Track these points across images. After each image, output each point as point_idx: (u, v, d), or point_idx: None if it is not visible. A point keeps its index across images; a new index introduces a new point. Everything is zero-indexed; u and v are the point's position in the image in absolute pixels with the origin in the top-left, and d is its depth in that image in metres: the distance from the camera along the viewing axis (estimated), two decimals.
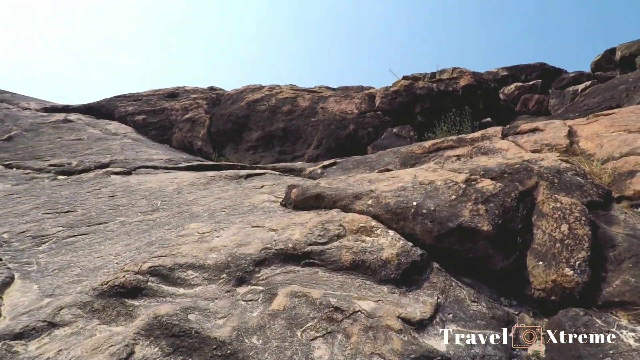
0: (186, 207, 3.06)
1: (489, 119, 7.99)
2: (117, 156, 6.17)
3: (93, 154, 6.55)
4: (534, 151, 3.59)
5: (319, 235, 2.02)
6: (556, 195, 2.21)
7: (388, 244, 1.95)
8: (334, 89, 13.37)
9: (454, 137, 4.54)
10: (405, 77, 14.28)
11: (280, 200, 3.12)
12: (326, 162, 5.46)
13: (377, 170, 4.25)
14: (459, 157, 3.97)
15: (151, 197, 3.39)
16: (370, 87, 13.56)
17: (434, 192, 2.45)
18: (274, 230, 2.13)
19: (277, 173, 4.63)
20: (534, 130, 4.19)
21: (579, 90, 7.96)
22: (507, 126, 4.62)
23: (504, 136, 4.32)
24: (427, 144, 4.62)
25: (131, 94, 12.62)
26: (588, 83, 7.99)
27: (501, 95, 11.14)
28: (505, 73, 14.78)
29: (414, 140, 7.09)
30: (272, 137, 8.61)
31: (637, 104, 4.92)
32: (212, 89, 13.70)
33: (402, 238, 2.06)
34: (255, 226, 2.22)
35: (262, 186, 3.76)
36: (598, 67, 14.74)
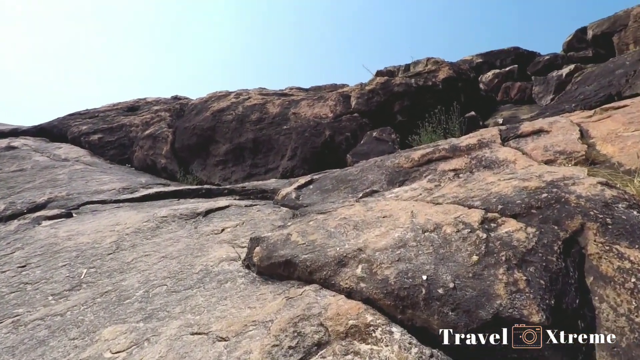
0: (119, 278, 2.31)
1: (473, 113, 7.46)
2: (60, 190, 5.29)
3: (33, 189, 5.64)
4: (547, 162, 3.00)
5: (290, 349, 1.34)
6: (617, 247, 1.59)
7: (396, 357, 1.28)
8: (305, 90, 12.65)
9: (446, 146, 3.92)
10: (379, 73, 13.69)
11: (244, 255, 2.42)
12: (302, 181, 4.77)
13: (361, 194, 3.59)
14: (456, 172, 3.34)
15: (76, 262, 2.62)
16: (343, 85, 12.90)
17: (446, 247, 1.80)
18: (223, 339, 1.43)
19: (244, 204, 3.90)
20: (539, 132, 3.61)
21: (563, 75, 7.53)
22: (505, 127, 4.03)
23: (504, 141, 3.73)
24: (416, 154, 3.98)
25: (87, 110, 11.54)
26: (572, 67, 7.57)
27: (480, 85, 10.68)
28: (480, 60, 14.39)
29: (396, 143, 6.48)
30: (242, 150, 7.84)
31: None
32: (176, 98, 12.73)
33: (413, 338, 1.40)
34: (198, 333, 1.51)
35: (223, 230, 3.04)
36: (570, 48, 14.51)
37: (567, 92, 5.49)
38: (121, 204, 4.61)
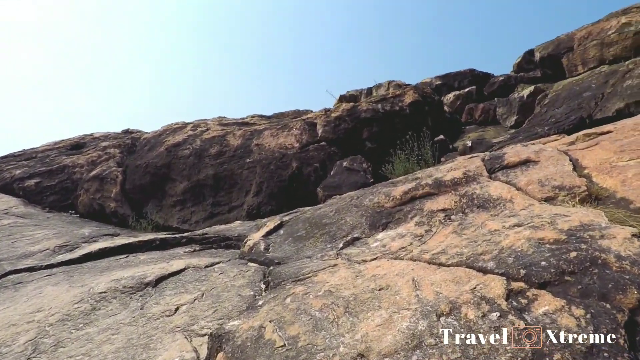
0: None
1: (442, 137, 7.32)
2: None
3: None
4: (547, 199, 2.68)
5: None
6: None
7: None
8: (268, 118, 12.22)
9: (429, 180, 3.57)
10: (342, 97, 13.59)
11: (204, 354, 1.85)
12: (270, 225, 4.23)
13: (341, 244, 3.12)
14: (446, 213, 2.96)
15: None
16: (307, 111, 12.62)
17: (475, 346, 1.34)
18: None
19: (203, 264, 3.30)
20: (527, 163, 3.34)
21: (524, 96, 7.63)
22: (489, 157, 3.76)
23: (491, 172, 3.42)
24: (397, 192, 3.59)
25: (23, 151, 10.39)
26: (532, 88, 7.70)
27: (444, 107, 10.75)
28: (439, 82, 14.72)
29: (368, 172, 6.13)
30: (202, 187, 7.18)
31: (613, 114, 4.35)
32: (127, 132, 11.82)
33: None
34: None
35: (177, 309, 2.43)
36: (520, 69, 15.20)
37: (536, 115, 5.41)
38: (54, 271, 3.83)
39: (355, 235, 3.26)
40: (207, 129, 8.86)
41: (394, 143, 7.27)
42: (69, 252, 4.63)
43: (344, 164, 6.29)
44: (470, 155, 4.40)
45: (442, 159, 6.64)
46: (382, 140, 7.23)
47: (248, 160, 7.17)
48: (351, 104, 7.62)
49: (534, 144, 4.16)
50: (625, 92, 4.22)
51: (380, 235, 3.14)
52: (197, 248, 4.57)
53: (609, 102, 4.40)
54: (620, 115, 4.31)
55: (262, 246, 3.67)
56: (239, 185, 6.89)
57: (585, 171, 2.97)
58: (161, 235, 5.22)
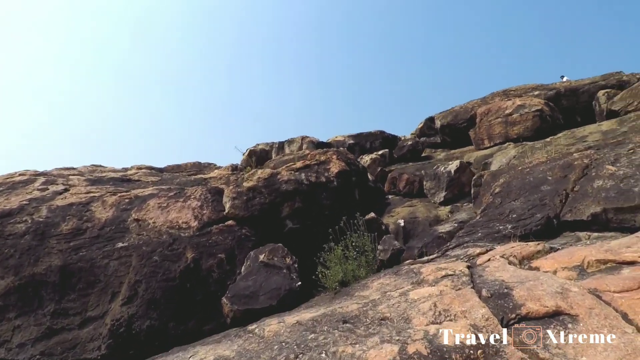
0: None
1: (373, 215, 6.27)
2: None
3: None
4: None
5: None
6: None
7: None
8: (159, 171, 9.96)
9: (422, 349, 2.20)
10: (252, 152, 12.08)
11: None
12: None
13: None
14: None
15: None
16: (210, 166, 10.72)
17: None
18: None
19: None
20: (557, 316, 2.23)
21: (452, 172, 7.19)
22: (490, 295, 2.58)
23: (507, 325, 2.21)
24: None
25: None
26: (457, 163, 7.33)
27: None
28: (352, 141, 14.36)
29: (294, 271, 4.60)
30: (40, 286, 4.73)
31: (588, 218, 3.71)
32: None
33: None
34: None
35: None
36: (422, 134, 15.93)
37: (490, 205, 4.66)
38: None
39: None
40: (67, 189, 6.40)
41: (321, 222, 5.94)
42: None
43: (261, 257, 4.65)
44: (441, 270, 3.24)
45: (380, 247, 5.50)
46: (307, 219, 5.85)
47: (121, 244, 5.02)
48: (268, 170, 6.16)
49: (524, 265, 3.18)
50: (599, 194, 3.58)
51: None
52: None
53: (580, 204, 3.74)
54: (595, 220, 3.65)
55: None
56: (102, 284, 4.66)
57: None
58: None
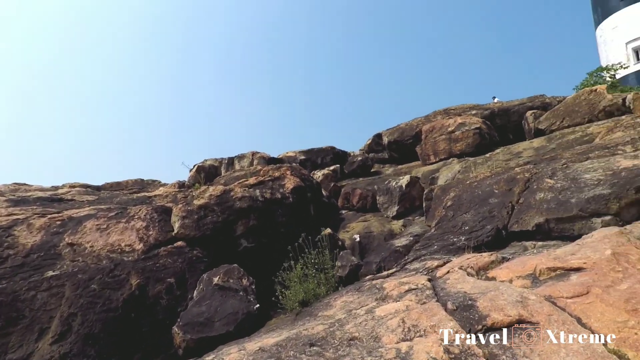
0: None
1: (329, 230, 6.21)
2: None
3: None
4: None
5: None
6: None
7: None
8: (96, 189, 9.16)
9: None
10: (200, 168, 11.57)
11: None
12: None
13: None
14: None
15: None
16: (154, 183, 10.08)
17: None
18: None
19: None
20: (520, 324, 2.29)
21: (403, 186, 7.42)
22: (456, 308, 2.60)
23: (478, 341, 2.23)
24: None
25: None
26: (408, 178, 7.59)
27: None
28: (304, 157, 14.35)
29: (251, 293, 4.37)
30: None
31: (533, 228, 3.96)
32: None
33: None
34: None
35: None
36: (370, 150, 16.40)
37: (443, 218, 4.83)
38: None
39: None
40: None
41: (277, 239, 5.77)
42: None
43: (215, 279, 4.37)
44: (404, 284, 3.24)
45: (338, 263, 5.44)
46: (263, 237, 5.64)
47: (51, 273, 4.45)
48: (221, 187, 5.88)
49: (481, 275, 3.29)
50: (541, 205, 3.86)
51: None
52: None
53: (525, 215, 4.00)
54: (539, 229, 3.91)
55: None
56: (27, 321, 4.07)
57: (613, 346, 2.07)
58: None
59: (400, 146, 14.20)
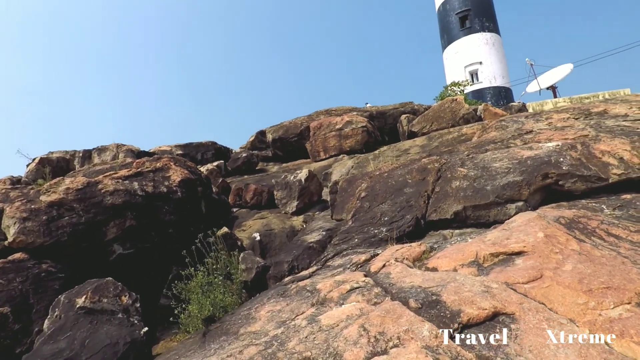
0: None
1: (226, 229, 5.36)
2: None
3: None
4: None
5: None
6: None
7: None
8: None
9: None
10: (44, 160, 9.03)
11: None
12: None
13: None
14: None
15: None
16: None
17: None
18: None
19: None
20: (497, 317, 2.06)
21: (302, 180, 7.01)
22: (416, 301, 2.24)
23: (452, 338, 1.90)
24: None
25: None
26: (306, 171, 7.21)
27: None
28: (181, 152, 12.76)
29: (135, 313, 3.29)
30: None
31: (451, 216, 4.00)
32: None
33: None
34: None
35: None
36: (253, 147, 15.79)
37: (359, 210, 4.57)
38: None
39: None
40: None
41: (163, 242, 4.66)
42: None
43: (80, 301, 3.13)
44: (343, 283, 2.77)
45: (241, 266, 4.67)
46: (145, 240, 4.47)
47: None
48: (83, 179, 4.43)
49: (420, 267, 3.05)
50: (458, 193, 3.91)
51: None
52: None
53: (443, 203, 4.01)
54: (457, 217, 3.96)
55: None
56: None
57: (584, 331, 1.98)
58: None
59: (285, 143, 13.93)
